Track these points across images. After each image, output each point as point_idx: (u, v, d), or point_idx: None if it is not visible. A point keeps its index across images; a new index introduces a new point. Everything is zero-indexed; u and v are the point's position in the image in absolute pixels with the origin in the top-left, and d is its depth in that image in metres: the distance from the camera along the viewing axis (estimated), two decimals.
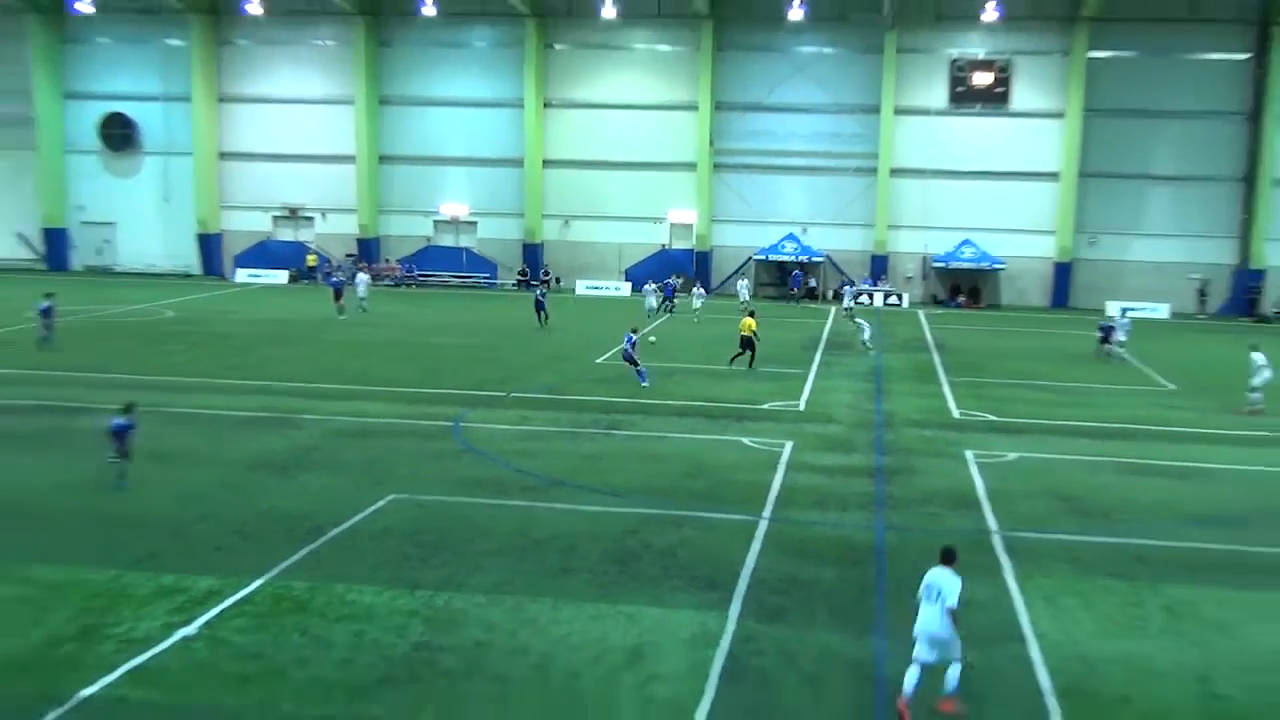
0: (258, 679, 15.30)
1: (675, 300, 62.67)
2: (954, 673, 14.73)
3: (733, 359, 42.27)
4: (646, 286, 61.52)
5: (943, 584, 14.79)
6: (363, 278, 60.98)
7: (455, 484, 25.38)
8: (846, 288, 66.27)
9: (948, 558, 15.26)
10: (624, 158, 72.02)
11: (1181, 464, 29.25)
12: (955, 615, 14.63)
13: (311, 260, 74.64)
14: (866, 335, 48.60)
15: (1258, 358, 36.17)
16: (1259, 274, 67.35)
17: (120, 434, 24.40)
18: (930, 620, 14.81)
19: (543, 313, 53.04)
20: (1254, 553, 22.14)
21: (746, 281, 68.02)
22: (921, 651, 14.88)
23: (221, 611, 17.60)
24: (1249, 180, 67.41)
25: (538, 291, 55.72)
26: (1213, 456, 30.38)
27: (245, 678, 15.32)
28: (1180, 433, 33.28)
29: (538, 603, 18.33)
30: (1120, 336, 48.43)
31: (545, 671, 15.87)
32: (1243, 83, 67.08)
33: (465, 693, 15.13)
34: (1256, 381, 35.89)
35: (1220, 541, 22.85)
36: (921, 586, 15.07)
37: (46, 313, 42.45)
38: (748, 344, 41.93)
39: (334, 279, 62.08)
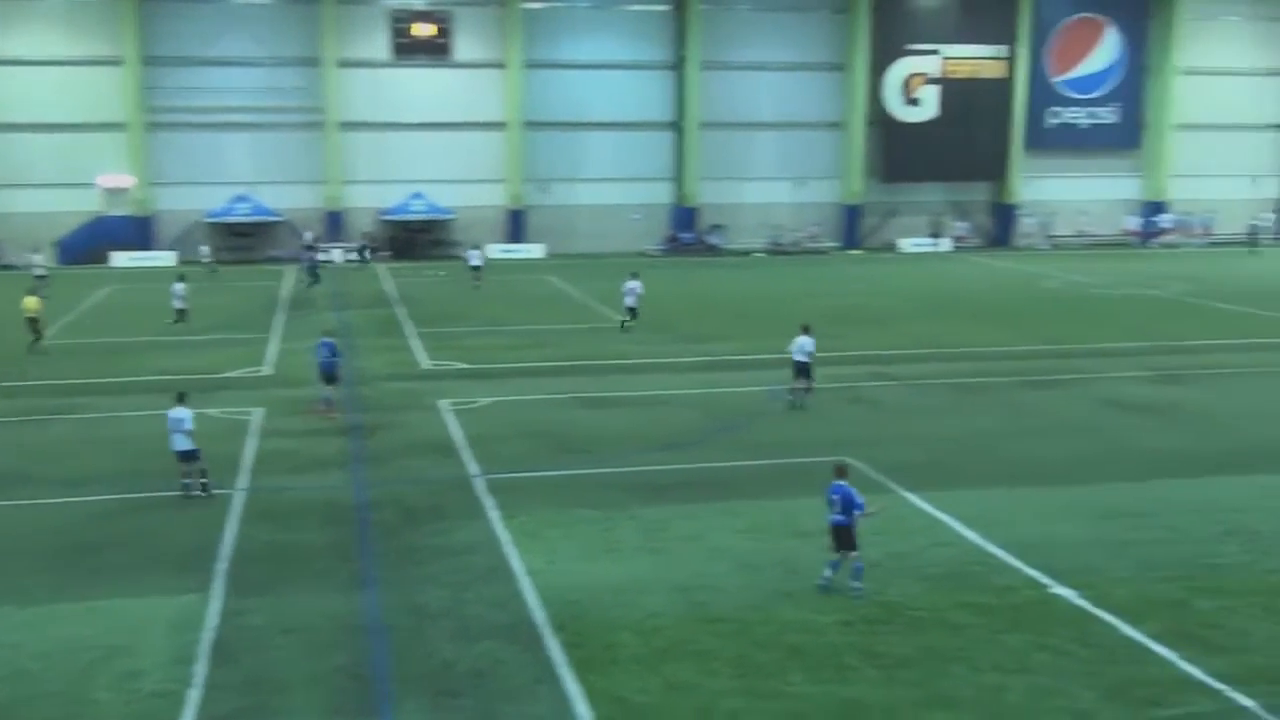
0: None
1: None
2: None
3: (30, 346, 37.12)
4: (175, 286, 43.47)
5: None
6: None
7: None
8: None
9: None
10: (41, 119, 65.56)
11: (640, 393, 31.07)
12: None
13: None
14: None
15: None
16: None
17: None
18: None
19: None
20: (711, 468, 23.98)
21: (207, 248, 63.27)
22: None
23: None
24: (677, 125, 72.55)
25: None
26: (667, 384, 32.50)
27: None
28: (636, 364, 35.32)
29: None
30: None
31: (8, 684, 14.26)
32: (669, 33, 72.01)
33: None
34: None
35: (682, 461, 24.55)
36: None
37: None
38: (32, 325, 37.37)
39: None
